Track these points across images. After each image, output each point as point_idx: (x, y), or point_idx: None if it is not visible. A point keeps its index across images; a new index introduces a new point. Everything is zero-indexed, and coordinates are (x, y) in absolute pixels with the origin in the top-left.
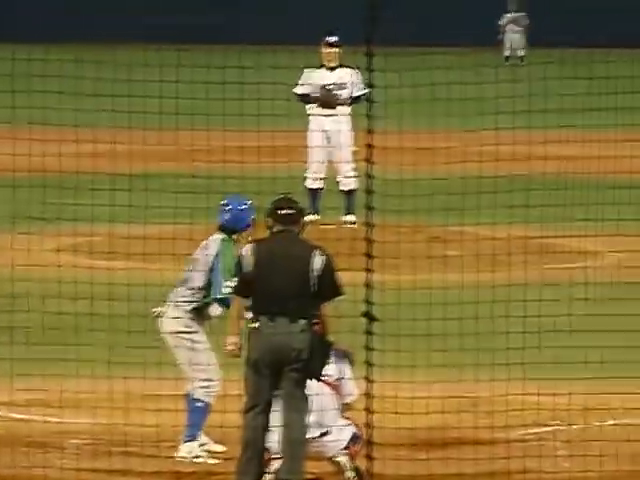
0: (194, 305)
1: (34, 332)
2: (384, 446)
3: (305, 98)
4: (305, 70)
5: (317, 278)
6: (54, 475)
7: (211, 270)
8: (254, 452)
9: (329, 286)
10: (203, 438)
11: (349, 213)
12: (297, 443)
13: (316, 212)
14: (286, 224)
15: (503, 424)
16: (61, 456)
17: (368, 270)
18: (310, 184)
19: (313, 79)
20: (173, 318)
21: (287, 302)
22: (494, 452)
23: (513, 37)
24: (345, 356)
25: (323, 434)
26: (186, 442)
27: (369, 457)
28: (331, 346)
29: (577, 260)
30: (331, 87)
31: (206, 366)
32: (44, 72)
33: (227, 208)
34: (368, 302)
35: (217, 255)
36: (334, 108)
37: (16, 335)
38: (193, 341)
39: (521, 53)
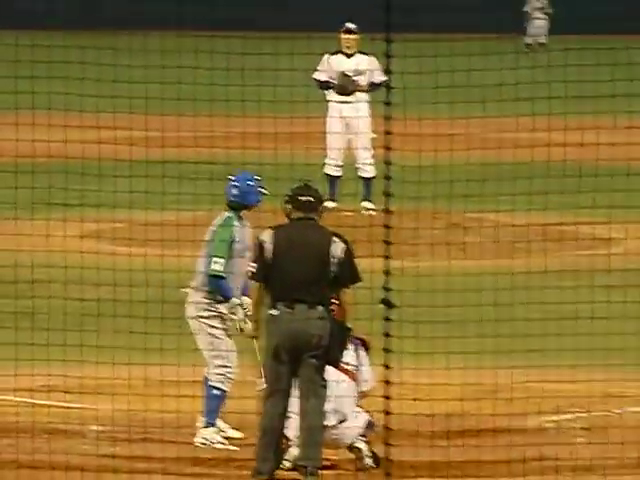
0: (208, 289)
1: (54, 318)
2: (402, 433)
3: (325, 84)
4: (324, 55)
5: (336, 265)
6: (75, 461)
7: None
8: (272, 438)
9: (348, 272)
10: (221, 424)
11: (367, 200)
12: (315, 429)
13: (334, 199)
14: (305, 211)
15: (522, 411)
16: (81, 442)
17: (387, 257)
18: (329, 170)
19: (332, 64)
20: (193, 303)
21: (305, 289)
22: (513, 439)
23: (538, 24)
24: (362, 344)
25: (341, 421)
26: (204, 428)
27: (387, 444)
28: (350, 332)
29: (598, 247)
30: (349, 74)
31: (224, 352)
32: (65, 58)
33: (235, 184)
34: (386, 289)
35: (215, 230)
36: (350, 95)
37: (36, 321)
38: (212, 326)
39: (543, 40)
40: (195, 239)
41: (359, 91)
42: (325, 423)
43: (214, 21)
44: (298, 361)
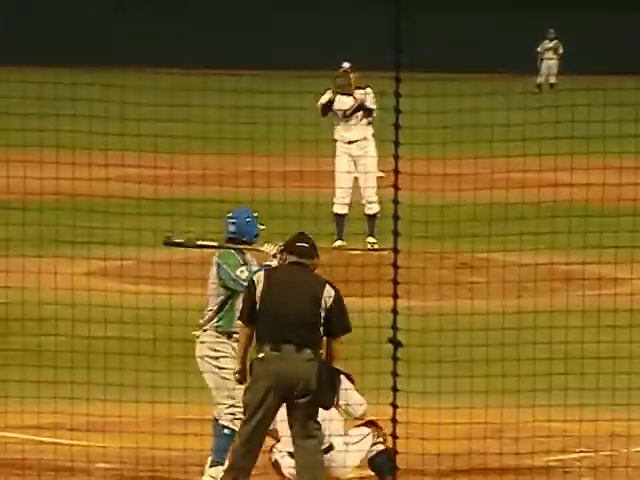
0: (216, 328)
1: (61, 356)
2: (409, 472)
3: (328, 107)
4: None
5: (326, 311)
6: None
7: (221, 282)
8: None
9: (339, 320)
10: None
11: (370, 235)
12: (316, 467)
13: (342, 237)
14: (299, 256)
15: (529, 450)
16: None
17: (394, 296)
18: (337, 209)
19: (325, 97)
20: (201, 342)
21: (294, 330)
22: (519, 478)
23: (548, 64)
24: (346, 376)
25: (327, 449)
26: (212, 467)
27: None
28: (339, 375)
29: (604, 287)
30: (349, 111)
31: (233, 392)
32: (73, 96)
33: (232, 221)
34: (394, 328)
35: (218, 265)
36: (349, 94)
37: (43, 359)
38: (220, 367)
39: (553, 80)
40: (203, 277)
41: (364, 115)
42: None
43: (222, 59)
44: (283, 404)
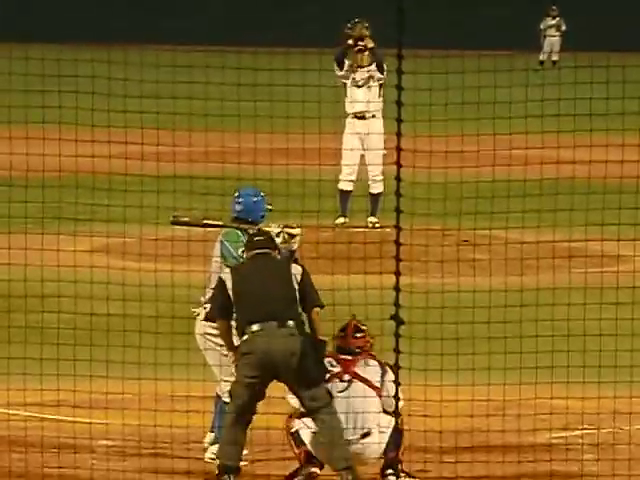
0: None
1: (64, 333)
2: (411, 449)
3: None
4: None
5: (299, 284)
6: (84, 475)
7: (223, 260)
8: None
9: (309, 294)
10: None
11: (373, 215)
12: (337, 431)
13: (345, 214)
14: (260, 248)
15: (531, 428)
16: (91, 457)
17: (397, 273)
18: (342, 186)
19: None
20: (202, 320)
21: (272, 308)
22: (521, 456)
23: (551, 41)
24: (387, 367)
25: (364, 435)
26: (214, 443)
27: (397, 459)
28: (325, 346)
29: (607, 264)
30: (361, 82)
31: (234, 368)
32: (75, 72)
33: (239, 200)
34: (396, 305)
35: (222, 243)
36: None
37: (46, 336)
38: (220, 344)
39: (555, 57)
40: (205, 255)
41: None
42: (348, 437)
43: (224, 37)
44: (271, 380)
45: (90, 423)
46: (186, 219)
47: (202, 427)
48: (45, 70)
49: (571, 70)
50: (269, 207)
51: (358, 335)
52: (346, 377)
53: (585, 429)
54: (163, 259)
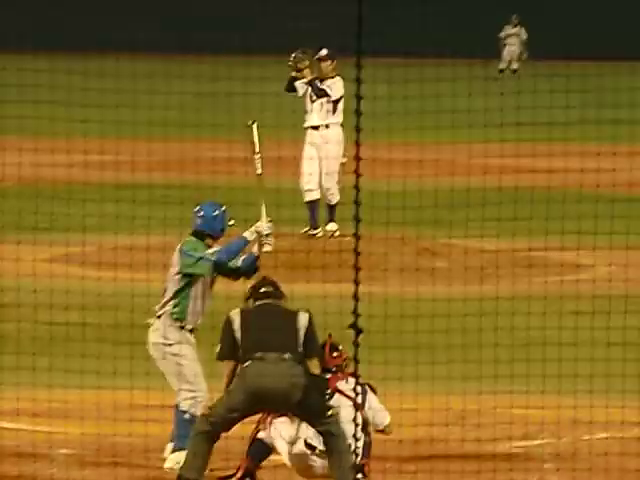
0: (170, 314)
1: (24, 341)
2: (372, 458)
3: (292, 84)
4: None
5: (303, 330)
6: None
7: (181, 269)
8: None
9: (312, 342)
10: None
11: (331, 221)
12: (345, 454)
13: (316, 227)
14: (267, 299)
15: (491, 437)
16: (50, 466)
17: (356, 282)
18: (307, 197)
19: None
20: (154, 330)
21: (275, 344)
22: (481, 465)
23: (510, 50)
24: (370, 387)
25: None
26: (174, 453)
27: (355, 468)
28: (325, 380)
29: (566, 273)
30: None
31: (192, 377)
32: (35, 81)
33: (200, 214)
34: (355, 314)
35: (181, 251)
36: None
37: (6, 344)
38: (174, 354)
39: (515, 66)
40: (165, 263)
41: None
42: (319, 447)
43: (184, 46)
44: (259, 409)
45: (49, 432)
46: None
47: (161, 436)
48: (4, 79)
49: (531, 78)
50: (231, 222)
51: (335, 354)
52: (328, 392)
53: (545, 438)
54: (122, 267)
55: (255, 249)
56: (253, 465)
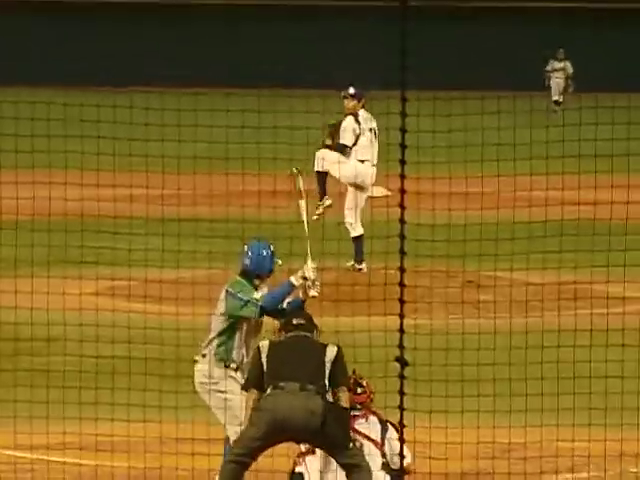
0: (217, 354)
1: (70, 375)
2: None
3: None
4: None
5: (331, 363)
6: None
7: (226, 310)
8: None
9: (340, 375)
10: None
11: (355, 260)
12: None
13: (362, 259)
14: (299, 331)
15: (537, 470)
16: None
17: (401, 315)
18: (352, 232)
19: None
20: (199, 369)
21: (298, 372)
22: None
23: (558, 82)
24: (388, 424)
25: None
26: None
27: None
28: (349, 413)
29: (612, 305)
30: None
31: (238, 410)
32: (80, 116)
33: (248, 254)
34: (401, 347)
35: (227, 292)
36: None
37: (52, 378)
38: (220, 390)
39: (559, 99)
40: (210, 297)
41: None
42: None
43: (229, 79)
44: (282, 439)
45: (96, 466)
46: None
47: (207, 469)
48: (50, 114)
49: (576, 111)
50: (278, 262)
51: (359, 391)
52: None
53: (592, 471)
54: (168, 301)
55: (301, 294)
56: None
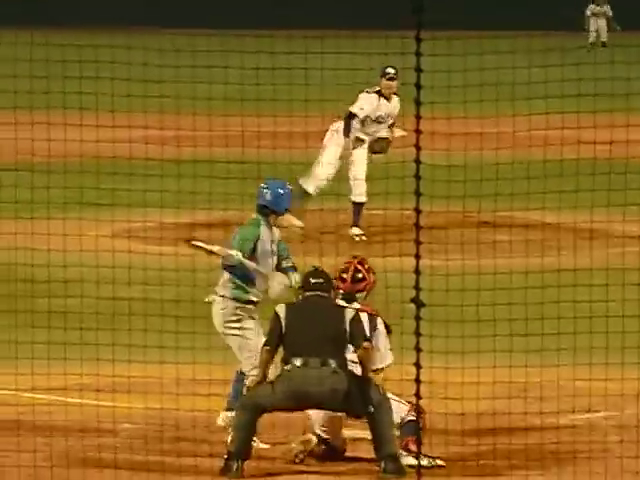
0: (233, 293)
1: (87, 317)
2: (433, 431)
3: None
4: (364, 94)
5: (349, 324)
6: (108, 458)
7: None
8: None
9: (358, 331)
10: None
11: (354, 225)
12: (387, 428)
13: (358, 225)
14: (316, 291)
15: (553, 410)
16: (114, 440)
17: (417, 256)
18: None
19: (369, 104)
20: (219, 309)
21: (319, 346)
22: (544, 438)
23: (599, 24)
24: (377, 319)
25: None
26: (227, 410)
27: (418, 441)
28: (372, 382)
29: (629, 245)
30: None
31: (255, 348)
32: (96, 58)
33: (266, 191)
34: (417, 288)
35: (239, 229)
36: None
37: (69, 320)
38: (240, 328)
39: (604, 38)
40: (226, 239)
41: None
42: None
43: (240, 21)
44: (304, 409)
45: (113, 407)
46: (200, 244)
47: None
48: (65, 56)
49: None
50: (293, 203)
51: (359, 276)
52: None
53: (609, 410)
54: (184, 243)
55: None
56: None
